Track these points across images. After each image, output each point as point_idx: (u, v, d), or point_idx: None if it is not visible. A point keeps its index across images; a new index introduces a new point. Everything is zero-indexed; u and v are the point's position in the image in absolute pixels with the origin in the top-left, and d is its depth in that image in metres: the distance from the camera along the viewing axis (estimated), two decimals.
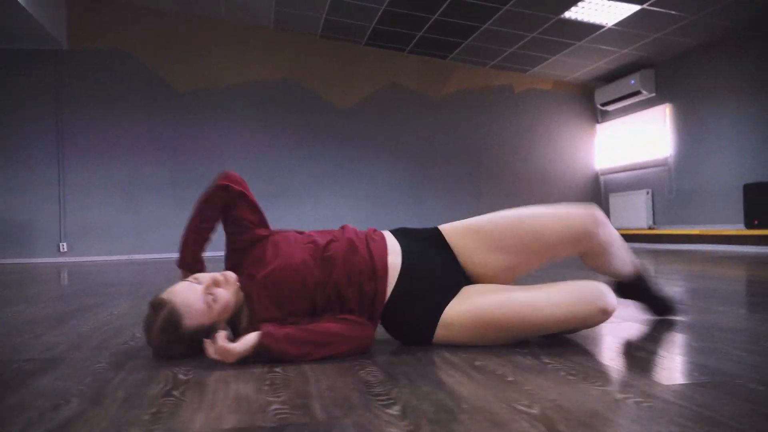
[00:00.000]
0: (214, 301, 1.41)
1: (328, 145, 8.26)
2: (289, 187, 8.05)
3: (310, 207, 8.10)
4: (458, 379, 1.21)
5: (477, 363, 1.35)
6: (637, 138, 8.20)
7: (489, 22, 7.07)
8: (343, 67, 8.36)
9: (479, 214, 8.68)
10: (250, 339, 1.36)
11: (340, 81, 8.35)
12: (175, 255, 7.41)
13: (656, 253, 6.12)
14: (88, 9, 7.53)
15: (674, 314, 1.98)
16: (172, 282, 3.87)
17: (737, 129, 6.65)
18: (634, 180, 8.28)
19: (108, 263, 6.76)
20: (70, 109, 7.47)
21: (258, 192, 7.71)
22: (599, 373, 1.24)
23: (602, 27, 6.92)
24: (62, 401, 1.10)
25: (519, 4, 6.49)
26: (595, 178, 9.13)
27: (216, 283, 1.45)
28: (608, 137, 8.89)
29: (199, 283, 1.45)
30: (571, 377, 1.21)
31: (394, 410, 1.00)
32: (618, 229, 8.34)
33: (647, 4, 6.22)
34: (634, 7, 6.32)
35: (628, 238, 8.14)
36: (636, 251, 6.65)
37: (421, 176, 8.55)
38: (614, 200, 8.59)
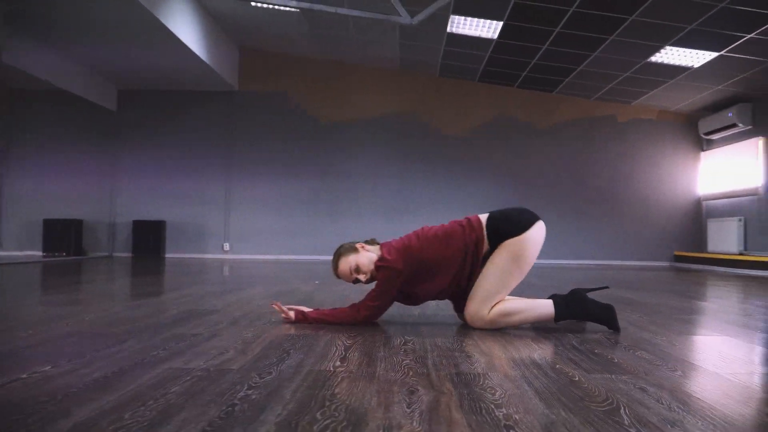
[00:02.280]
0: (355, 280, 2.62)
1: (442, 168, 9.62)
2: (410, 204, 9.52)
3: (423, 219, 9.50)
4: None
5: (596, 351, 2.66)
6: (733, 167, 8.62)
7: (583, 65, 8.03)
8: (458, 100, 9.70)
9: (582, 232, 9.54)
10: (299, 312, 2.60)
11: (455, 113, 9.70)
12: (316, 257, 9.21)
13: (744, 278, 6.72)
14: (255, 57, 9.60)
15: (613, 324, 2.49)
16: (304, 279, 5.50)
17: None
18: (729, 207, 8.70)
19: (259, 261, 8.68)
20: (239, 138, 9.57)
21: (383, 206, 9.35)
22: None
23: (690, 68, 7.58)
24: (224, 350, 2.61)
25: (607, 50, 7.40)
26: (697, 204, 9.58)
27: (361, 275, 2.53)
28: (712, 165, 9.32)
29: (362, 271, 2.52)
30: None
31: (474, 363, 2.36)
32: (711, 253, 8.81)
33: (725, 51, 6.86)
34: (713, 54, 6.98)
35: (719, 262, 8.56)
36: (727, 275, 7.21)
37: (527, 196, 9.60)
38: (711, 225, 9.03)
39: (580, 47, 7.39)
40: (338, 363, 1.81)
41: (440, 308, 3.21)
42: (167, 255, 9.48)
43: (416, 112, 9.71)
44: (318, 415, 1.26)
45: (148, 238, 9.27)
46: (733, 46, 6.65)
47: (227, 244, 9.56)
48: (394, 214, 9.44)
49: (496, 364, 1.83)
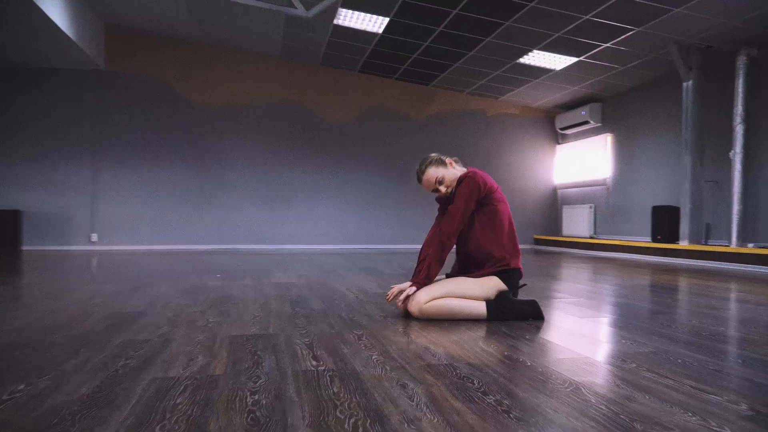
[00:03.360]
0: (435, 189, 2.79)
1: (322, 158, 9.75)
2: (288, 193, 9.55)
3: (304, 212, 9.60)
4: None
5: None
6: (586, 160, 9.68)
7: (459, 62, 8.54)
8: (338, 90, 9.85)
9: None
10: (416, 284, 2.70)
11: (335, 103, 9.85)
12: (191, 247, 8.95)
13: (594, 260, 7.60)
14: (124, 35, 9.02)
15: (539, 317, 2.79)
16: (200, 273, 5.38)
17: (653, 158, 8.14)
18: (582, 195, 9.76)
19: (132, 252, 8.28)
20: (105, 122, 8.98)
21: (261, 197, 9.28)
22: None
23: (551, 71, 8.37)
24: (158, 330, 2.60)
25: (482, 51, 7.94)
26: (554, 192, 10.61)
27: (443, 187, 2.79)
28: (565, 157, 10.37)
29: (445, 184, 2.78)
30: None
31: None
32: (567, 237, 9.84)
33: (583, 56, 7.68)
34: (573, 59, 7.78)
35: (575, 244, 9.61)
36: (580, 257, 8.11)
37: (401, 185, 10.03)
38: (566, 211, 10.08)
39: (459, 46, 7.87)
40: (314, 362, 1.93)
41: (356, 308, 3.39)
42: (25, 248, 8.70)
43: (297, 100, 9.72)
44: (332, 414, 1.39)
45: (1, 230, 8.43)
46: (591, 53, 7.47)
47: (95, 234, 8.97)
48: (273, 203, 9.42)
49: (455, 355, 2.05)
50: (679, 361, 1.98)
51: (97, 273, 5.01)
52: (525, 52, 7.76)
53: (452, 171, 2.80)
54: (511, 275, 2.78)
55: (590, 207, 9.43)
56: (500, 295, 2.77)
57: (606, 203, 9.16)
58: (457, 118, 10.34)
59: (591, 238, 9.31)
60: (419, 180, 2.81)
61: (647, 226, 8.20)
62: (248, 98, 9.52)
